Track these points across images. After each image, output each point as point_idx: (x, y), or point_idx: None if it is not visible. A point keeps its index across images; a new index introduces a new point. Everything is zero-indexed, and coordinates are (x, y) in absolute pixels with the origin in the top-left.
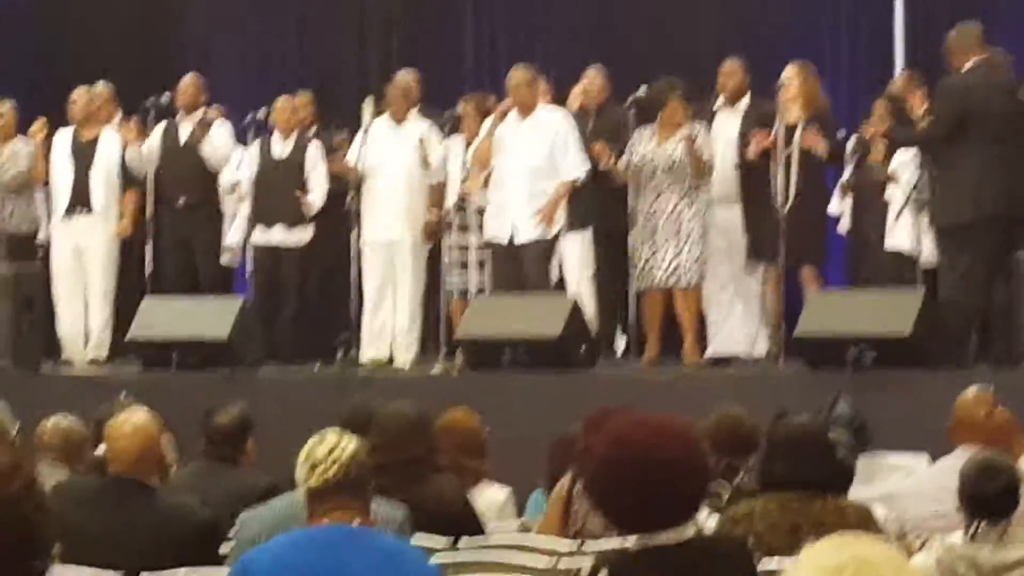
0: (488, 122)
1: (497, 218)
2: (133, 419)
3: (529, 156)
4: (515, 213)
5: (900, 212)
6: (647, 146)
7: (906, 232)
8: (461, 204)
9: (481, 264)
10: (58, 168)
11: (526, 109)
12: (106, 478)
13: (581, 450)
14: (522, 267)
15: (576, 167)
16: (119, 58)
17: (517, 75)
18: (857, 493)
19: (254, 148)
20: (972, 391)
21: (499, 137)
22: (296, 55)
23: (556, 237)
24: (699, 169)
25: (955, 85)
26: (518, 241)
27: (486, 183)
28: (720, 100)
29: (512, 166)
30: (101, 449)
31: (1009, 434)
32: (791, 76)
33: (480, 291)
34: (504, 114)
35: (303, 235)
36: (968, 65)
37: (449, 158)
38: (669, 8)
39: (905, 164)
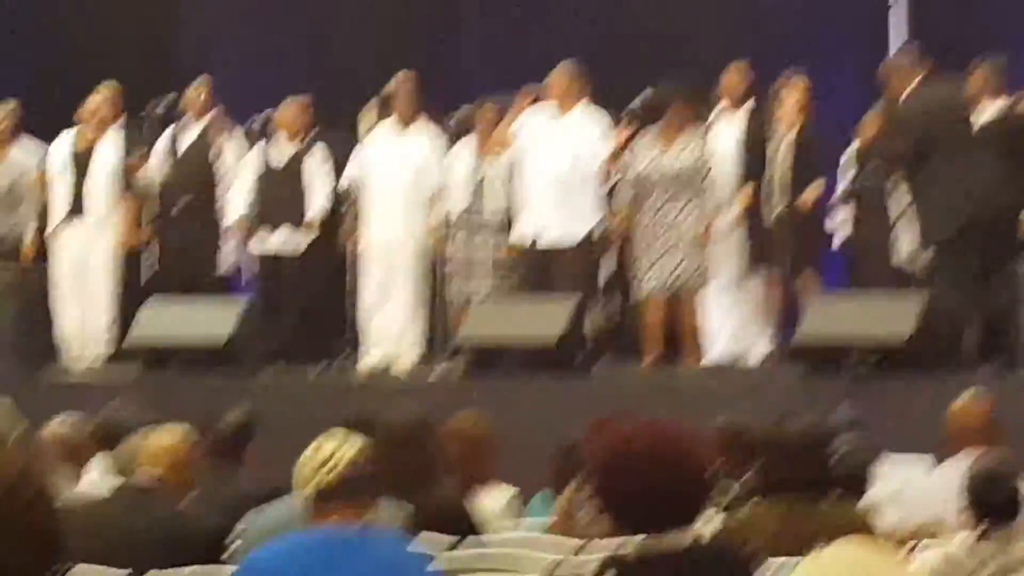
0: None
1: (525, 219)
2: (169, 431)
3: (561, 156)
4: (544, 215)
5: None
6: (650, 153)
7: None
8: (470, 211)
9: (492, 268)
10: (57, 173)
11: (566, 106)
12: (126, 482)
13: (586, 454)
14: (549, 269)
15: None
16: (119, 62)
17: (564, 68)
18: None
19: (255, 153)
20: (968, 395)
21: (526, 127)
22: (296, 60)
23: (590, 239)
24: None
25: (902, 116)
26: (543, 244)
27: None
28: (721, 105)
29: (539, 164)
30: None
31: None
32: (801, 88)
33: (491, 294)
34: (529, 103)
35: (304, 239)
36: (908, 91)
37: (456, 163)
38: (669, 14)
39: None
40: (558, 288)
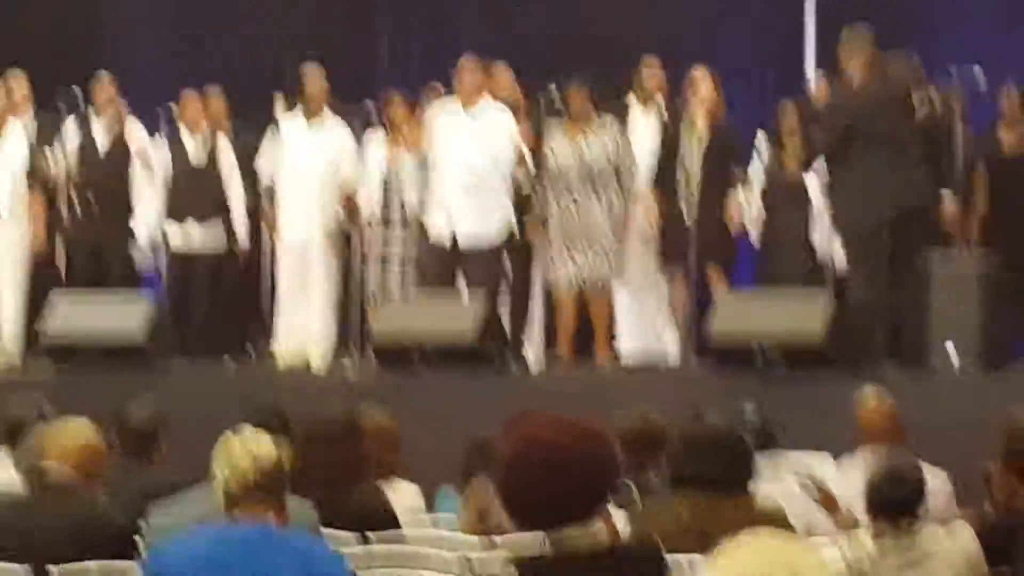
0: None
1: (437, 213)
2: (79, 426)
3: (470, 151)
4: (454, 210)
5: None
6: (559, 142)
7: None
8: (382, 206)
9: (404, 264)
10: None
11: (471, 101)
12: (35, 477)
13: (496, 451)
14: (463, 265)
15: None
16: (28, 52)
17: (466, 65)
18: (763, 492)
19: (165, 145)
20: (871, 393)
21: (438, 126)
22: (209, 51)
23: (503, 234)
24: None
25: (841, 94)
26: (459, 238)
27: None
28: (633, 99)
29: (451, 161)
30: None
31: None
32: (701, 79)
33: (404, 292)
34: (437, 99)
35: (217, 233)
36: (855, 70)
37: (367, 155)
38: (580, 8)
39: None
40: (472, 284)
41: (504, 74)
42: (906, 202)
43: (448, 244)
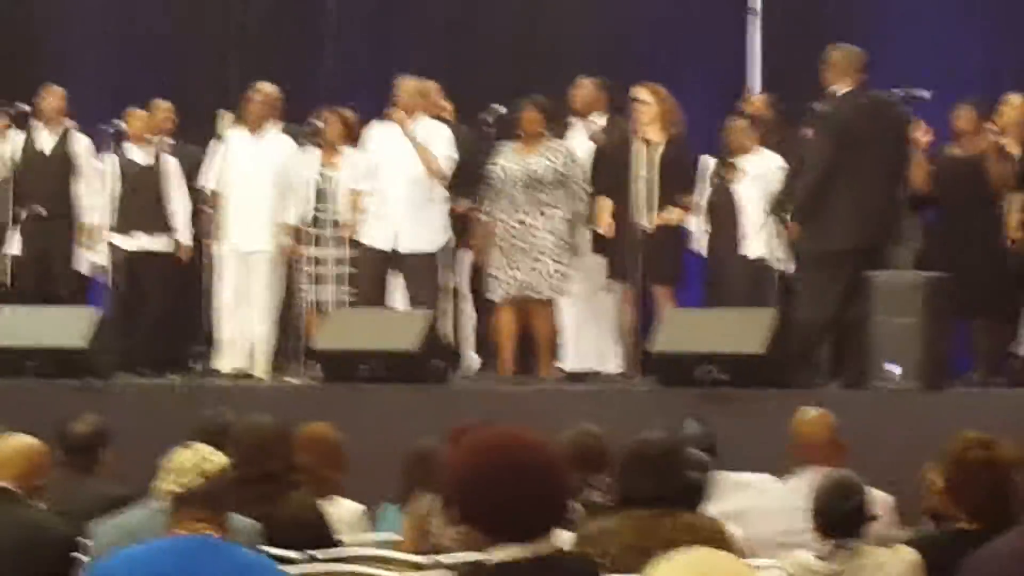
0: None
1: (378, 226)
2: (23, 438)
3: (410, 164)
4: (397, 221)
5: (763, 223)
6: (509, 159)
7: (763, 241)
8: (317, 217)
9: (338, 277)
10: None
11: (412, 118)
12: None
13: (444, 464)
14: (398, 277)
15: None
16: None
17: (405, 85)
18: (705, 510)
19: (112, 159)
20: (811, 412)
21: (376, 139)
22: (153, 68)
23: (443, 247)
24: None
25: (831, 115)
26: (401, 250)
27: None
28: (575, 119)
29: (393, 173)
30: None
31: (843, 453)
32: (645, 98)
33: (339, 303)
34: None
35: (162, 245)
36: (843, 89)
37: (303, 171)
38: (528, 29)
39: (762, 176)
40: (412, 296)
41: (436, 93)
42: (880, 234)
43: (387, 256)
